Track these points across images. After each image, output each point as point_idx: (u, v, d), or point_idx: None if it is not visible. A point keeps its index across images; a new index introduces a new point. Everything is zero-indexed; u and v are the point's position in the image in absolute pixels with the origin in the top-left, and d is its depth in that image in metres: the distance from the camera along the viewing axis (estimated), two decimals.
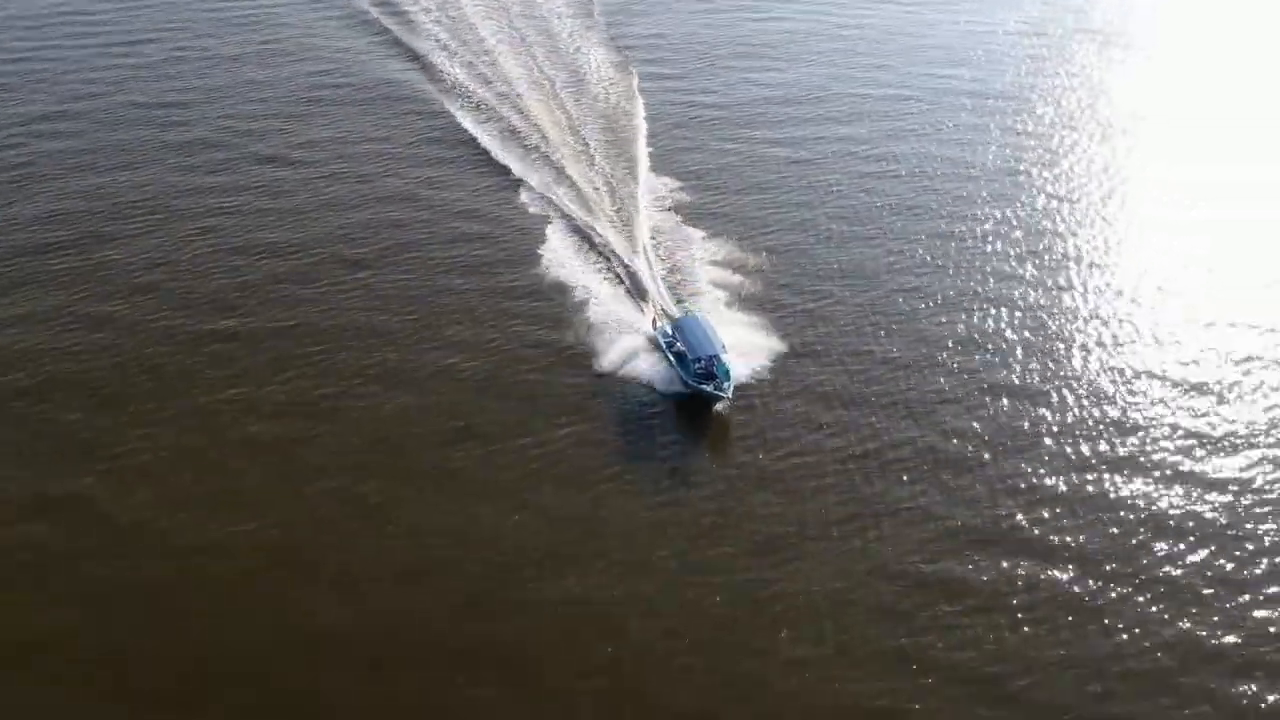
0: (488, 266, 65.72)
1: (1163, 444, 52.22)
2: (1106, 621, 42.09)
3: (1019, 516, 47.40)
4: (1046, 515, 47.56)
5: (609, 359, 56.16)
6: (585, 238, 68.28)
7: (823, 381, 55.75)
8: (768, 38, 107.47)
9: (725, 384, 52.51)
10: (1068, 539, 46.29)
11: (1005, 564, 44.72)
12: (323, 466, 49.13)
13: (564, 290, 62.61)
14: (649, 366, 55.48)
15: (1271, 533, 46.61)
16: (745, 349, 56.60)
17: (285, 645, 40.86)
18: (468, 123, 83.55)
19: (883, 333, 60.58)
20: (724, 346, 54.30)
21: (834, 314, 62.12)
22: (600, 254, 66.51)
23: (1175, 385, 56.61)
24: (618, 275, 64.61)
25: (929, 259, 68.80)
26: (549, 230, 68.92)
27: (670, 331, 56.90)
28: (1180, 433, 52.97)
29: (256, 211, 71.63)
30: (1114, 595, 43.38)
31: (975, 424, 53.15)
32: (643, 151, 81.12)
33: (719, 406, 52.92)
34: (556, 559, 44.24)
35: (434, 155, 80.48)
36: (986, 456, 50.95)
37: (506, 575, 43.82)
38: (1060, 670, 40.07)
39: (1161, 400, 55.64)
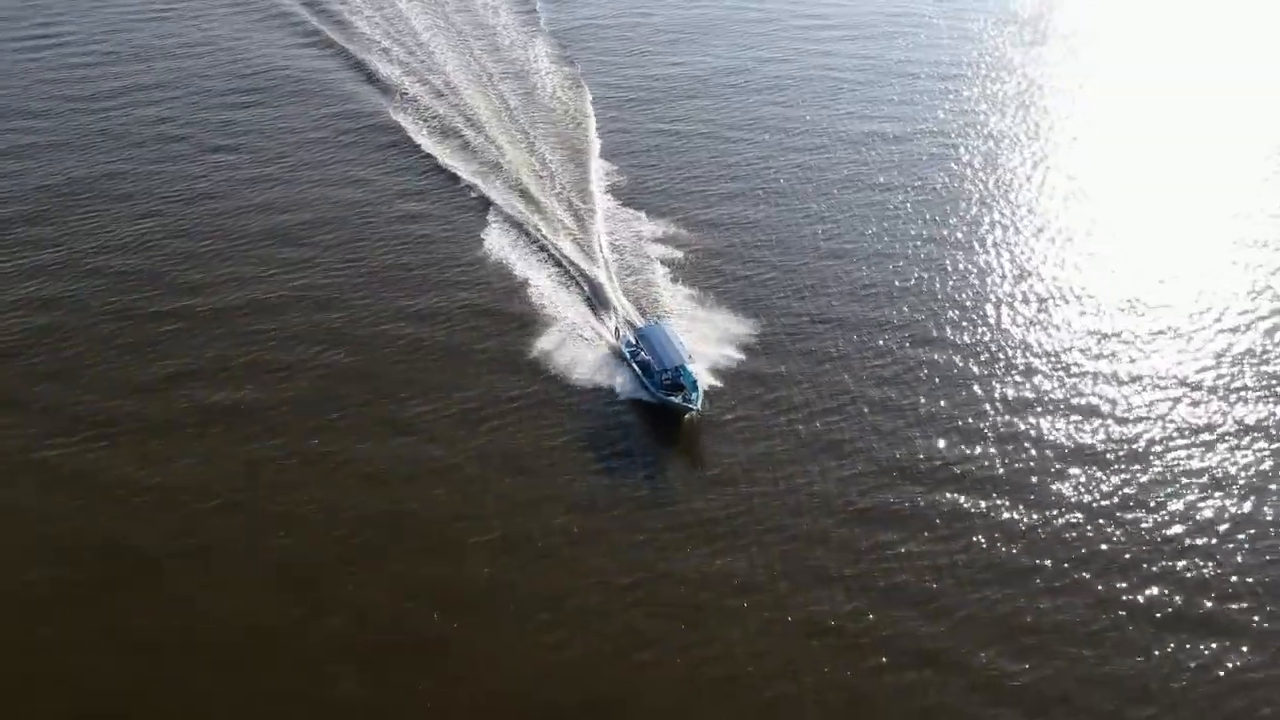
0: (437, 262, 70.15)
1: (1077, 385, 59.07)
2: (1028, 541, 48.69)
3: (950, 453, 54.22)
4: (974, 451, 54.30)
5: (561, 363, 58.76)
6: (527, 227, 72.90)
7: (761, 338, 62.01)
8: (695, 22, 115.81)
9: (693, 395, 53.97)
10: (993, 471, 53.00)
11: (937, 496, 51.29)
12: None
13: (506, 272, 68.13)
14: (611, 375, 57.64)
15: (1170, 459, 53.62)
16: (690, 315, 62.95)
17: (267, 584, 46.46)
18: (408, 124, 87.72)
19: (813, 291, 67.51)
20: (690, 356, 55.74)
21: (768, 278, 68.45)
22: (542, 246, 70.46)
23: (1090, 334, 63.53)
24: (559, 262, 68.56)
25: (855, 225, 75.52)
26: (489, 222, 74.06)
27: (634, 341, 58.41)
28: (1094, 376, 59.78)
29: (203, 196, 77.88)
30: (1035, 518, 50.08)
31: (904, 373, 59.93)
32: (591, 137, 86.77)
33: (688, 417, 54.49)
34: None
35: (378, 149, 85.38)
36: (922, 400, 57.85)
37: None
38: (987, 585, 46.34)
39: (1076, 348, 62.43)
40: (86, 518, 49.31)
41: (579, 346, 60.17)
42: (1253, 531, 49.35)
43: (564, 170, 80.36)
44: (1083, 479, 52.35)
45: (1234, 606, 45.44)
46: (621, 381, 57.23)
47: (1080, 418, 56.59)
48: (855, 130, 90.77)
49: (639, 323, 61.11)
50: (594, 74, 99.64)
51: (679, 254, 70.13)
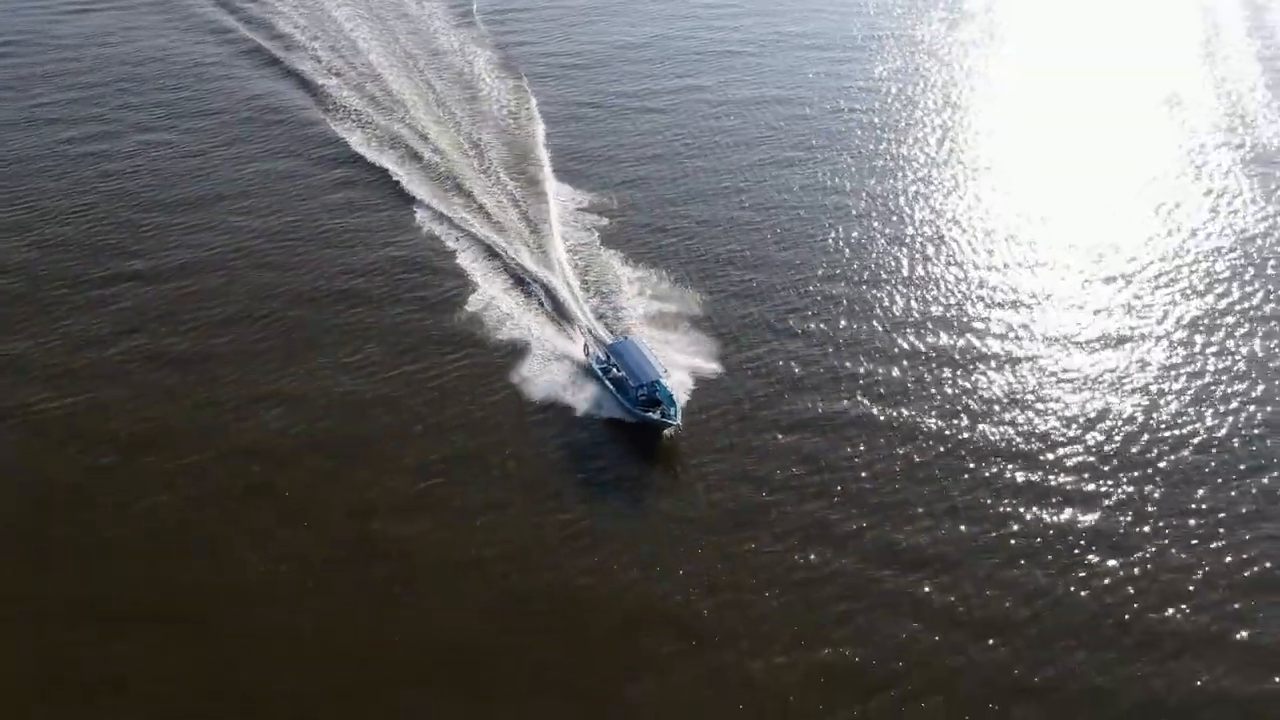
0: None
1: (976, 332, 63.78)
2: (936, 473, 52.59)
3: (858, 398, 57.78)
4: (882, 394, 58.06)
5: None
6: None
7: (679, 288, 66.51)
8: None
9: (671, 410, 53.02)
10: (901, 414, 56.57)
11: (847, 434, 54.94)
12: None
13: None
14: (583, 393, 56.36)
15: (1062, 398, 58.19)
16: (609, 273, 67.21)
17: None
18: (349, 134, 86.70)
19: (730, 246, 72.27)
20: (666, 370, 55.01)
21: (687, 232, 73.76)
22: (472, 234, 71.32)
23: (988, 286, 68.10)
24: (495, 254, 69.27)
25: (769, 184, 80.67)
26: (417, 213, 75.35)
27: (605, 357, 57.26)
28: (992, 322, 64.55)
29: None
30: (939, 452, 54.01)
31: (814, 322, 64.41)
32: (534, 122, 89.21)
33: (667, 432, 53.64)
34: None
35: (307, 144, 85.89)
36: (830, 350, 61.68)
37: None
38: (892, 510, 50.17)
39: (977, 298, 67.06)
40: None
41: (546, 362, 58.96)
42: (1108, 425, 55.78)
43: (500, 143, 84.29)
44: (972, 386, 58.79)
45: (1085, 481, 52.19)
46: (594, 399, 55.88)
47: (980, 346, 62.53)
48: (756, 99, 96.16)
49: (607, 337, 60.11)
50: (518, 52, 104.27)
51: (604, 220, 74.25)
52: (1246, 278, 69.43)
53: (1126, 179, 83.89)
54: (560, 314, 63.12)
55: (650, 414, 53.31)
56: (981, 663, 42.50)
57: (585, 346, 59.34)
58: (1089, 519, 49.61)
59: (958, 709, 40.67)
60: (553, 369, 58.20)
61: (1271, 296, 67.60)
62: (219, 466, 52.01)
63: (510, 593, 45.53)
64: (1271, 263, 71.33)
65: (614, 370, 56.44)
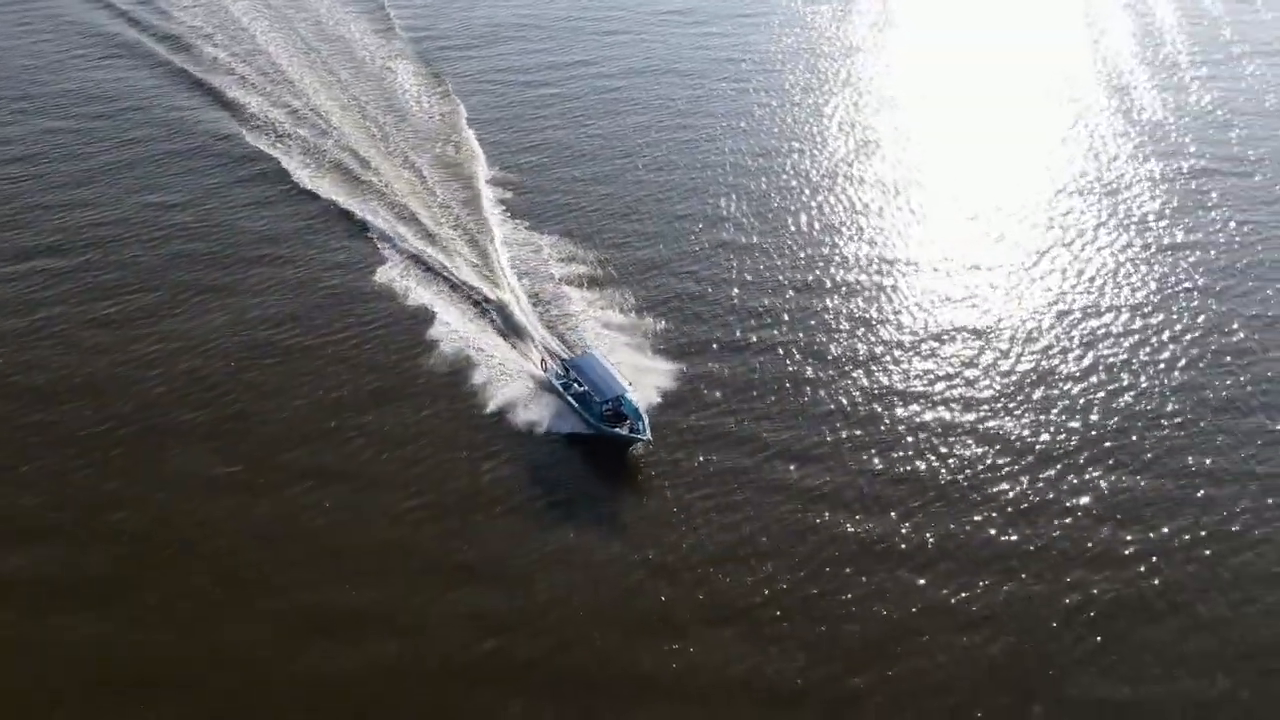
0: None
1: (846, 265, 70.95)
2: (810, 395, 58.23)
3: (751, 332, 63.42)
4: (774, 329, 63.62)
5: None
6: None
7: (580, 253, 70.40)
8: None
9: (640, 424, 52.29)
10: (792, 338, 62.76)
11: (738, 359, 60.84)
12: None
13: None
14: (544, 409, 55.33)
15: (923, 318, 65.18)
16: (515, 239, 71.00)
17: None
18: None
19: (631, 215, 76.30)
20: (630, 384, 54.64)
21: (588, 205, 77.51)
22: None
23: (871, 260, 72.15)
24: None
25: (675, 166, 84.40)
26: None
27: (565, 372, 56.49)
28: (862, 289, 69.14)
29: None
30: (832, 376, 59.99)
31: (708, 272, 69.79)
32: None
33: (636, 448, 53.08)
34: None
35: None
36: (726, 291, 67.65)
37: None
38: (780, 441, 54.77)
39: (859, 266, 71.63)
40: None
41: (500, 377, 57.86)
42: (980, 370, 60.70)
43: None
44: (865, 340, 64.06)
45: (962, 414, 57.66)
46: (554, 416, 54.91)
47: (873, 305, 67.38)
48: (642, 69, 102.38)
49: (563, 351, 59.55)
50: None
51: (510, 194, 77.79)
52: (1118, 233, 75.45)
53: (1007, 146, 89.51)
54: (488, 276, 65.62)
55: (617, 429, 52.68)
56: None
57: (542, 362, 58.45)
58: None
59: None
60: (509, 385, 57.45)
61: (1139, 247, 73.65)
62: None
63: (494, 629, 44.24)
64: (1140, 218, 77.45)
65: (575, 385, 55.68)
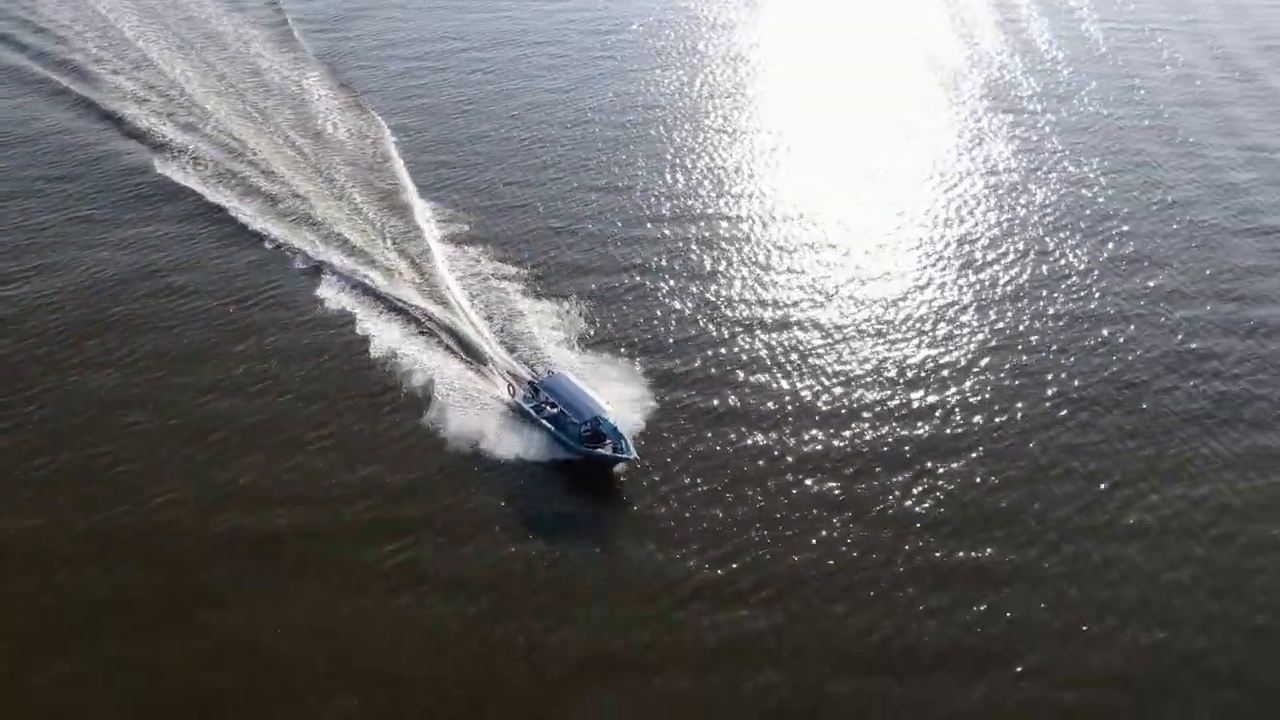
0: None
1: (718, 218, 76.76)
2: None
3: (635, 276, 69.38)
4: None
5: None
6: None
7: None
8: None
9: (623, 442, 51.46)
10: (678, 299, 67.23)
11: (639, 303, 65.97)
12: None
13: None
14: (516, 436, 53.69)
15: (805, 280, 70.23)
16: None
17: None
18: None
19: (522, 191, 79.95)
20: (608, 403, 53.56)
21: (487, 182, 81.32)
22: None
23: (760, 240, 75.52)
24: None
25: (574, 153, 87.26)
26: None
27: (534, 394, 55.13)
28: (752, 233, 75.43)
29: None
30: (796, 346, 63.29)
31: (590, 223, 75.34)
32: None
33: (619, 468, 52.09)
34: None
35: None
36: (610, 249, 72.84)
37: None
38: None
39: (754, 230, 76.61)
40: None
41: (464, 405, 56.38)
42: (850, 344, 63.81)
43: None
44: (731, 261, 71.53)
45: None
46: (533, 444, 53.35)
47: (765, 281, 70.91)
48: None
49: (526, 372, 58.27)
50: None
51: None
52: (985, 202, 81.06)
53: (872, 115, 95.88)
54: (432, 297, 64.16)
55: (600, 450, 51.77)
56: None
57: (510, 386, 57.05)
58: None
59: None
60: (474, 410, 55.99)
61: (1006, 215, 79.14)
62: None
63: (485, 665, 43.04)
64: (1007, 189, 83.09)
65: (548, 408, 54.56)
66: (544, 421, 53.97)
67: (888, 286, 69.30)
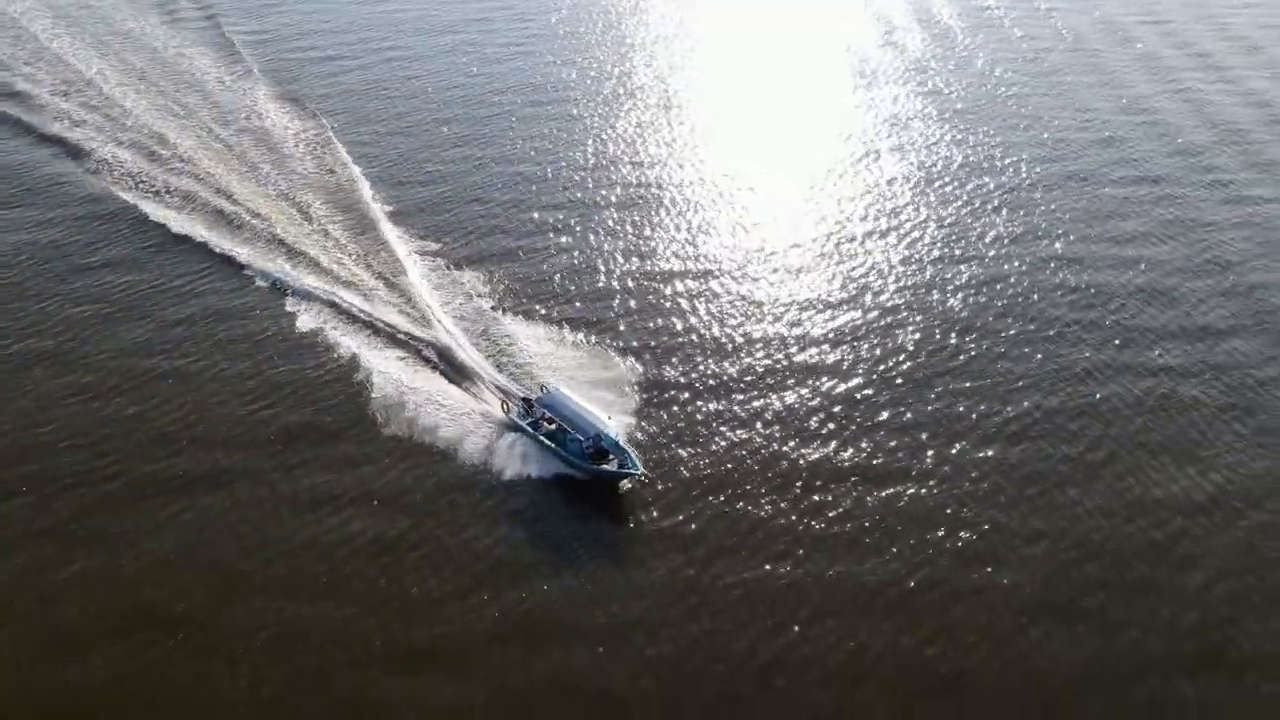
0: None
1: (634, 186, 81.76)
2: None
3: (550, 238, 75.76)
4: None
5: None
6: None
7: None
8: None
9: (627, 458, 50.54)
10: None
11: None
12: None
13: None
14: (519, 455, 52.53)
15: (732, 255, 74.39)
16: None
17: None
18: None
19: (447, 173, 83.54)
20: (609, 417, 52.84)
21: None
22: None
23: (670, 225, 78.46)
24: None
25: (483, 127, 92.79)
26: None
27: (527, 411, 54.19)
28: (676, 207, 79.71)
29: None
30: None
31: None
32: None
33: (625, 484, 50.92)
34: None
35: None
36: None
37: None
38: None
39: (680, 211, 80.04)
40: None
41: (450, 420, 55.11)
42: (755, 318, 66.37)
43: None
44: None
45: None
46: (538, 462, 52.20)
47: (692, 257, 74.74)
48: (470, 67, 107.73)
49: (515, 389, 57.12)
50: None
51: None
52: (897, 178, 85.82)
53: (793, 98, 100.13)
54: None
55: (605, 467, 50.81)
56: None
57: (504, 403, 55.78)
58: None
59: None
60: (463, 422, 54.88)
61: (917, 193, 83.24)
62: None
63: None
64: (926, 170, 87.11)
65: (544, 424, 53.58)
66: (543, 438, 52.89)
67: (812, 250, 74.00)
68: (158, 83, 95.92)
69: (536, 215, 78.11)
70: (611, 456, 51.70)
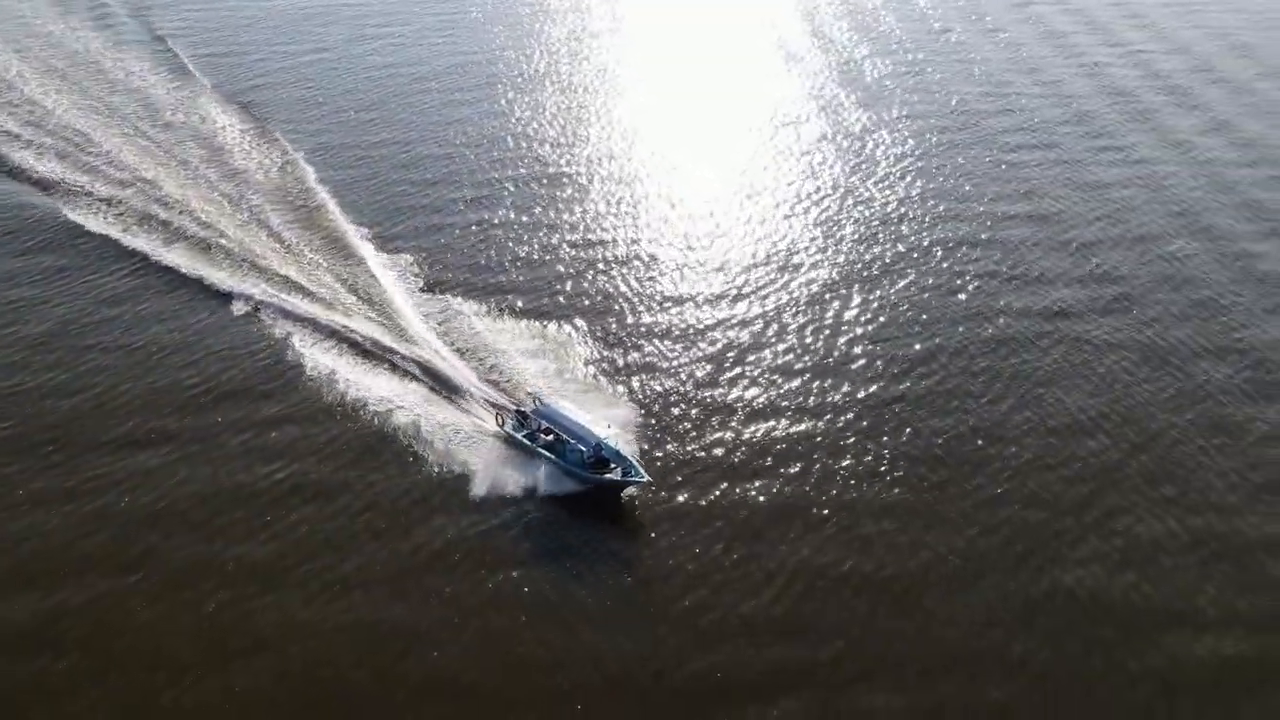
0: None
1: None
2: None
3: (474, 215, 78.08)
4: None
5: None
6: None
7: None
8: None
9: (630, 465, 49.59)
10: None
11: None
12: None
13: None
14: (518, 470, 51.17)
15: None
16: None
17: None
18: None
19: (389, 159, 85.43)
20: (610, 425, 52.12)
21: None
22: None
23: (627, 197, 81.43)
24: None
25: (408, 120, 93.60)
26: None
27: (521, 424, 53.15)
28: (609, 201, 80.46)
29: None
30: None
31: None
32: None
33: (630, 491, 50.14)
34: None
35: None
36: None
37: None
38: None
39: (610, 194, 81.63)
40: None
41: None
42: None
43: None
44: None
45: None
46: (543, 475, 51.00)
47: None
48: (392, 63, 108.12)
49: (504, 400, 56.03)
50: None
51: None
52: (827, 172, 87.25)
53: (724, 93, 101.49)
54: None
55: (609, 475, 50.03)
56: None
57: (498, 416, 54.63)
58: None
59: None
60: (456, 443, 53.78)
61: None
62: None
63: None
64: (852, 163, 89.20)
65: (541, 435, 52.63)
66: (541, 450, 52.07)
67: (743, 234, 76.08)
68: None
69: (462, 194, 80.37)
70: (613, 465, 51.01)
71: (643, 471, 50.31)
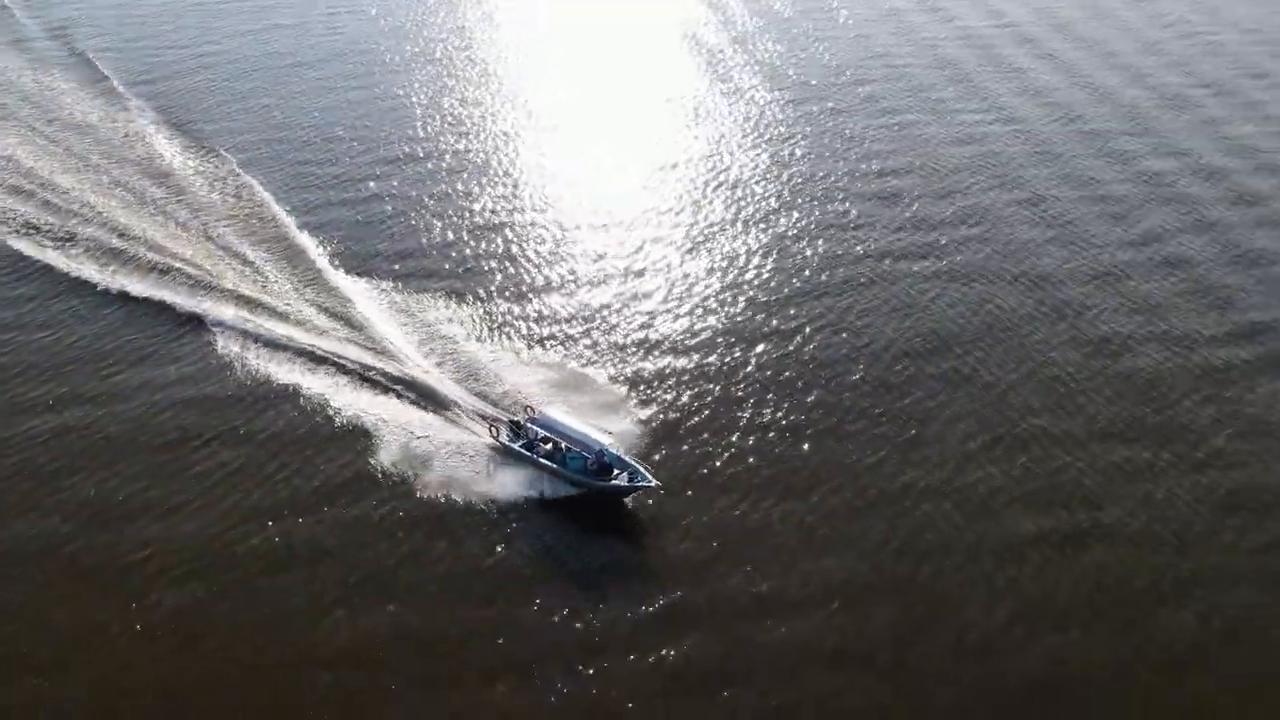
0: None
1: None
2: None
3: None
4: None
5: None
6: None
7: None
8: None
9: (636, 470, 48.40)
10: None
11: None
12: None
13: None
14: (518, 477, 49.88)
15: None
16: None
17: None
18: None
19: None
20: (610, 433, 50.80)
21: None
22: None
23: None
24: None
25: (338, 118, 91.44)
26: None
27: (516, 435, 51.52)
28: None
29: None
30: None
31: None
32: None
33: (636, 497, 49.16)
34: None
35: None
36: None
37: None
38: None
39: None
40: None
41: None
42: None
43: None
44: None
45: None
46: (549, 483, 49.88)
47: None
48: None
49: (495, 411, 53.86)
50: None
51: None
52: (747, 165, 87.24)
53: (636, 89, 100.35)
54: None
55: (614, 482, 48.85)
56: None
57: (492, 427, 52.51)
58: None
59: None
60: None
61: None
62: None
63: None
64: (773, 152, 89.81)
65: (540, 445, 51.13)
66: (542, 460, 50.64)
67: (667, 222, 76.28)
68: None
69: (371, 184, 79.86)
70: (617, 471, 49.85)
71: (650, 476, 49.30)
